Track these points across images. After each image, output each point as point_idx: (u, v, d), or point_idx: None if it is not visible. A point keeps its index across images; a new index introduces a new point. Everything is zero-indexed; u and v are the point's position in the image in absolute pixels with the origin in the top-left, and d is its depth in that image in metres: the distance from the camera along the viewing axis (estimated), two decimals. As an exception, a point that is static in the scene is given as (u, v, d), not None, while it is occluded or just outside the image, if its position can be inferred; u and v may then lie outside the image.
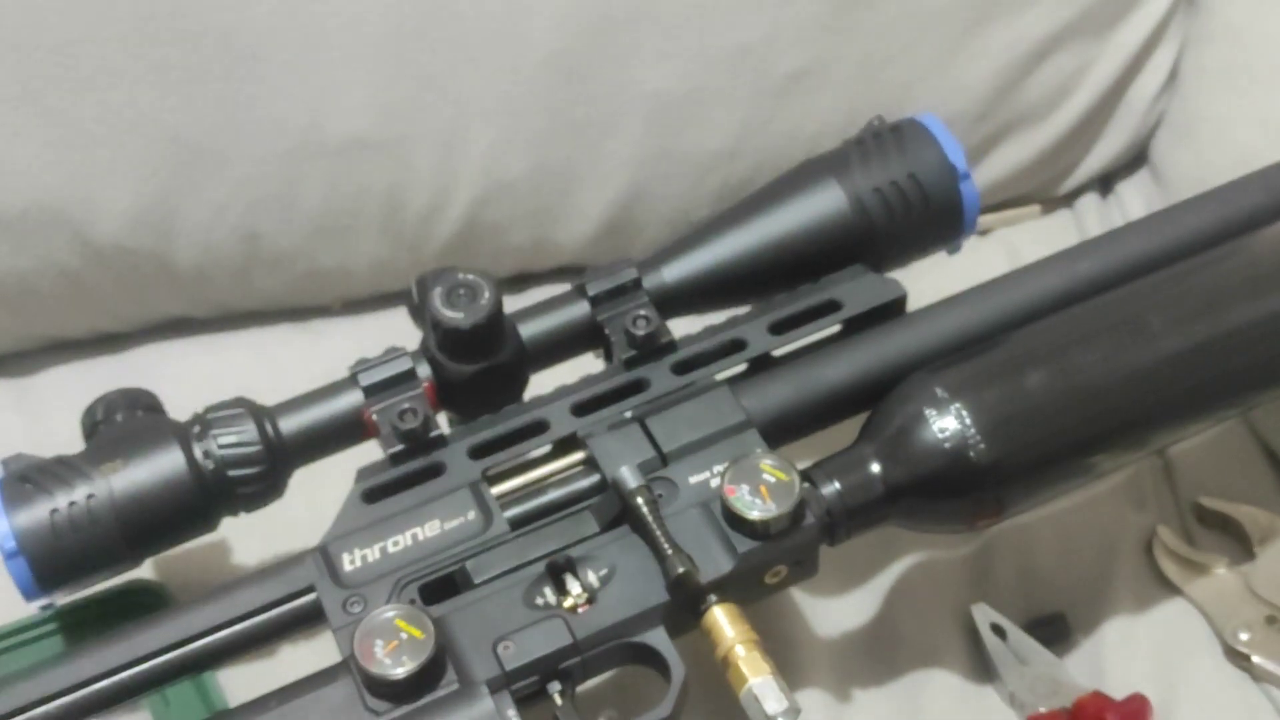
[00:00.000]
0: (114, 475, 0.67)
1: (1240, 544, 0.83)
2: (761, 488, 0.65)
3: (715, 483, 0.66)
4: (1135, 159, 1.03)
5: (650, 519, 0.64)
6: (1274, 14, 0.92)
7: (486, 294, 0.68)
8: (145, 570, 0.77)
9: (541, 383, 0.72)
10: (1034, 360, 0.70)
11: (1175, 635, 0.80)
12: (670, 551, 0.63)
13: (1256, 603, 0.80)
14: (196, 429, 0.68)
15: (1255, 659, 0.78)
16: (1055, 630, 0.80)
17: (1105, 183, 1.05)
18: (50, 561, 0.66)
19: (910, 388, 0.69)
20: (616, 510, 0.66)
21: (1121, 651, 0.79)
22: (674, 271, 0.73)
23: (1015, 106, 0.96)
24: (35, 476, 0.67)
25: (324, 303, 0.95)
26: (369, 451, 0.70)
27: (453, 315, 0.68)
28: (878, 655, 0.80)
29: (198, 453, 0.68)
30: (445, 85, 0.88)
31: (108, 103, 0.84)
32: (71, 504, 0.66)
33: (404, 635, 0.61)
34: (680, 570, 0.62)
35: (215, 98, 0.85)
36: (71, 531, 0.66)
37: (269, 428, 0.69)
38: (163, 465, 0.67)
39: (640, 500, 0.64)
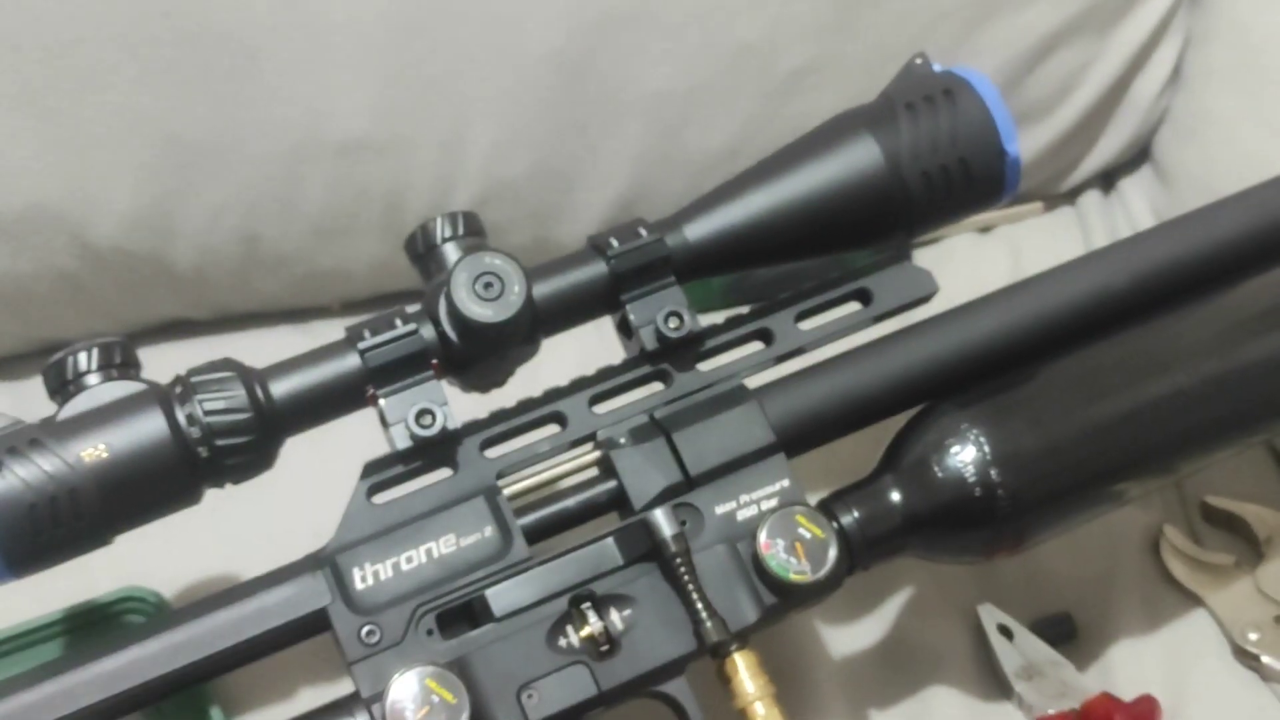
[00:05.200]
0: (89, 446, 0.61)
1: (1248, 543, 0.83)
2: (797, 545, 0.64)
3: (742, 515, 0.65)
4: (1138, 156, 1.03)
5: (685, 577, 0.62)
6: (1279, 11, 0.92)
7: (517, 285, 0.62)
8: (144, 580, 0.78)
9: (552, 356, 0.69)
10: (1056, 394, 0.70)
11: (1183, 635, 0.80)
12: (706, 617, 0.62)
13: (1265, 602, 0.80)
14: (179, 391, 0.63)
15: (1264, 659, 0.78)
16: (1062, 630, 0.80)
17: (1108, 179, 1.05)
18: (22, 540, 0.60)
19: (933, 418, 0.69)
20: (645, 548, 0.64)
21: (1129, 652, 0.79)
22: (696, 230, 0.68)
23: (1018, 103, 0.96)
24: (2, 452, 0.60)
25: (324, 304, 0.95)
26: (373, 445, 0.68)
27: (481, 311, 0.62)
28: (884, 657, 0.80)
29: (181, 419, 0.62)
30: (446, 85, 0.87)
31: (106, 104, 0.83)
32: (45, 476, 0.60)
33: (435, 699, 0.59)
34: (715, 639, 0.61)
35: (214, 98, 0.84)
36: (47, 507, 0.60)
37: (259, 392, 0.63)
38: (142, 433, 0.61)
39: (675, 555, 0.62)
